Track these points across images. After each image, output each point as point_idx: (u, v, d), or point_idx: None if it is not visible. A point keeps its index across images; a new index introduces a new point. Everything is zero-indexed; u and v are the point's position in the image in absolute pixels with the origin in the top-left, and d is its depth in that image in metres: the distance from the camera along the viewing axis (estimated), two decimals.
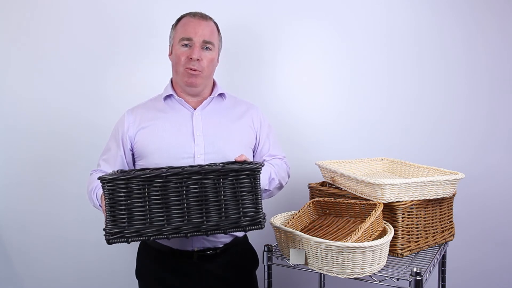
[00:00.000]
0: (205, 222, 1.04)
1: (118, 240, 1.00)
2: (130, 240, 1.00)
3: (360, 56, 1.91)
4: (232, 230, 1.05)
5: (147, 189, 1.01)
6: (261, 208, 1.07)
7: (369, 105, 1.91)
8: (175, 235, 1.03)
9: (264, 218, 1.07)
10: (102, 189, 1.02)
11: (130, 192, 1.00)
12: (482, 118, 1.86)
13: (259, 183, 1.08)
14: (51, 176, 1.99)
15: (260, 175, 1.08)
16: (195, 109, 1.40)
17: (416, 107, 1.89)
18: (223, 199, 1.04)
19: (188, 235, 1.03)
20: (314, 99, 1.96)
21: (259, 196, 1.07)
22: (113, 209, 1.00)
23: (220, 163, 1.27)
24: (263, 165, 1.10)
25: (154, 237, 1.01)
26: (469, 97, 1.87)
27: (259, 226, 1.06)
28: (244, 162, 1.22)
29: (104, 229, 1.01)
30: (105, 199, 1.01)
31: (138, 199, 1.01)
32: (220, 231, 1.05)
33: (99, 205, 1.27)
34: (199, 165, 1.28)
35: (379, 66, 1.90)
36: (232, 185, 1.05)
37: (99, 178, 1.00)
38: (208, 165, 1.28)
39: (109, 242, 1.00)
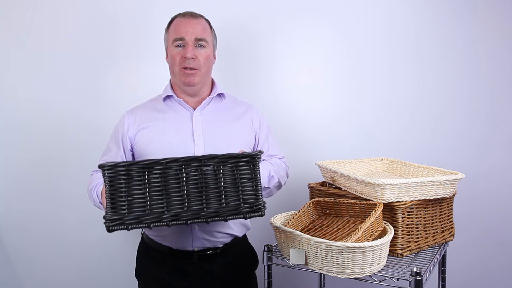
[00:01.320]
0: (205, 209, 1.03)
1: (118, 227, 0.99)
2: (130, 227, 1.00)
3: (360, 56, 1.91)
4: (232, 217, 1.05)
5: (147, 176, 1.01)
6: (261, 196, 1.07)
7: (369, 105, 1.91)
8: (174, 222, 1.02)
9: (264, 206, 1.06)
10: (102, 177, 1.02)
11: (130, 179, 1.01)
12: (482, 118, 1.86)
13: (259, 171, 1.08)
14: (51, 176, 1.99)
15: (260, 163, 1.08)
16: (194, 109, 1.40)
17: (416, 107, 1.89)
18: (223, 186, 1.04)
19: (188, 222, 1.02)
20: (314, 99, 1.95)
21: (259, 184, 1.07)
22: (113, 196, 1.00)
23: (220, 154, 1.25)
24: (262, 152, 1.09)
25: (154, 224, 1.01)
26: (469, 97, 1.87)
27: (259, 213, 1.06)
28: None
29: (104, 217, 1.01)
30: (105, 186, 1.01)
31: (138, 186, 1.01)
32: (220, 218, 1.04)
33: (100, 202, 1.27)
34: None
35: (379, 66, 1.90)
36: (232, 172, 1.05)
37: (99, 166, 1.01)
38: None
39: (109, 229, 0.99)
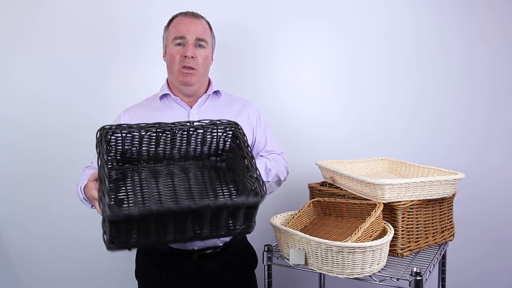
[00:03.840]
0: (198, 236, 1.03)
1: (118, 248, 1.00)
2: (131, 247, 1.01)
3: (360, 55, 1.91)
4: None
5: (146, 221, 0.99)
6: (254, 222, 1.06)
7: (369, 105, 1.91)
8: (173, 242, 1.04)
9: (253, 227, 1.06)
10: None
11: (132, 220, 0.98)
12: (482, 118, 1.86)
13: (255, 220, 1.06)
14: (50, 176, 1.99)
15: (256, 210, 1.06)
16: (191, 107, 1.40)
17: (416, 107, 1.89)
18: (215, 223, 1.03)
19: (186, 242, 1.04)
20: (314, 99, 1.95)
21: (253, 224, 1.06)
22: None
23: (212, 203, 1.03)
24: (257, 205, 1.04)
25: (153, 244, 1.02)
26: (469, 97, 1.87)
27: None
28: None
29: (103, 234, 1.00)
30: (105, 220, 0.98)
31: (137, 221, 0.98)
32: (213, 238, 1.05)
33: (83, 198, 1.25)
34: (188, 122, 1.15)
35: (379, 66, 1.90)
36: (226, 218, 1.03)
37: (106, 216, 0.93)
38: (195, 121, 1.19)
39: (109, 248, 0.99)
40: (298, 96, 1.95)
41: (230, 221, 1.02)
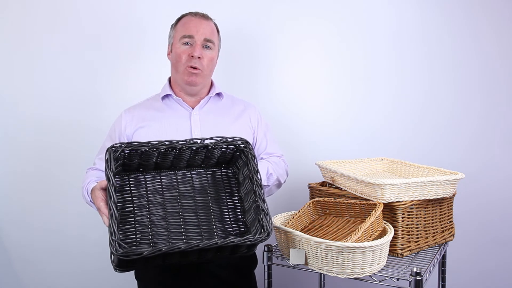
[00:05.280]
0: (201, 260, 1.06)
1: (125, 271, 1.01)
2: (137, 269, 1.01)
3: (360, 55, 1.91)
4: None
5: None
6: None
7: (369, 105, 1.91)
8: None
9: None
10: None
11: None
12: (482, 118, 1.86)
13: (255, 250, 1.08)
14: (51, 176, 1.99)
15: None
16: (193, 108, 1.40)
17: (416, 107, 1.89)
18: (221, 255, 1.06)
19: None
20: (314, 99, 1.95)
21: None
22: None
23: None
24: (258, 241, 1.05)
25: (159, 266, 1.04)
26: (469, 97, 1.87)
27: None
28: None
29: (111, 255, 0.99)
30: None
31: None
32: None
33: (90, 200, 1.26)
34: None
35: (379, 66, 1.90)
36: (231, 248, 1.04)
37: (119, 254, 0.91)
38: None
39: (116, 270, 1.00)
40: (298, 96, 1.95)
41: (235, 248, 1.04)
